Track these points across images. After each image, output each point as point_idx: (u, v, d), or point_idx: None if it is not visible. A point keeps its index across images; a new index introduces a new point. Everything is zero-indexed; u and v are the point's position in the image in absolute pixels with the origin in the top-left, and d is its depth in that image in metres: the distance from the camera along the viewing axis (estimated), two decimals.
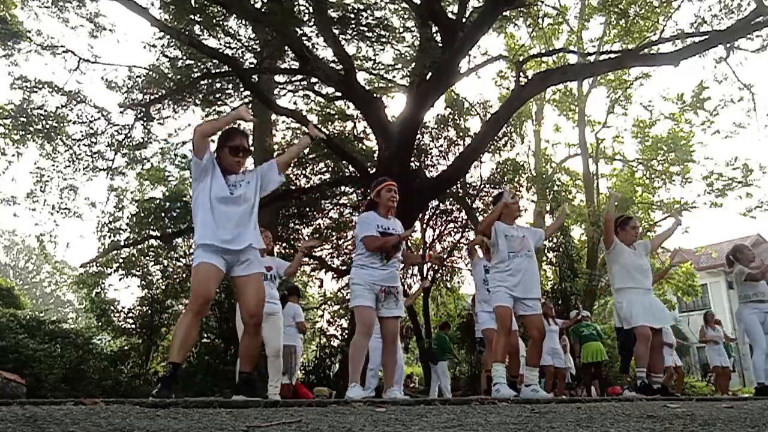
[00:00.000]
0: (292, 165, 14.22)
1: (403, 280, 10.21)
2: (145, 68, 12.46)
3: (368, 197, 4.58)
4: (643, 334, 4.87)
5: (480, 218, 13.71)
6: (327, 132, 13.34)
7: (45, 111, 11.95)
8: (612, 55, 12.67)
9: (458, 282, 16.61)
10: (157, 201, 13.68)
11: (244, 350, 3.58)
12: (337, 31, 10.90)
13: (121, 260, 13.50)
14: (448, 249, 15.81)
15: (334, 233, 14.90)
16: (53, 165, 12.64)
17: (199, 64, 12.07)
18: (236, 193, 3.47)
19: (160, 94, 12.12)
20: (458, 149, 13.89)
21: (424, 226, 15.16)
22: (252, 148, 13.57)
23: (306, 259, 15.18)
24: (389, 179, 4.46)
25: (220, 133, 3.71)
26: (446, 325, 10.90)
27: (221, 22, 11.50)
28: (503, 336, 4.61)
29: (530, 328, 4.69)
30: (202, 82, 12.07)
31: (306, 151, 14.31)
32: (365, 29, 11.52)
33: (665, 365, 8.55)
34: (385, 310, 4.15)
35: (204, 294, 3.29)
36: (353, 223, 13.35)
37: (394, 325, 4.23)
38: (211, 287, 3.33)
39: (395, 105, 48.19)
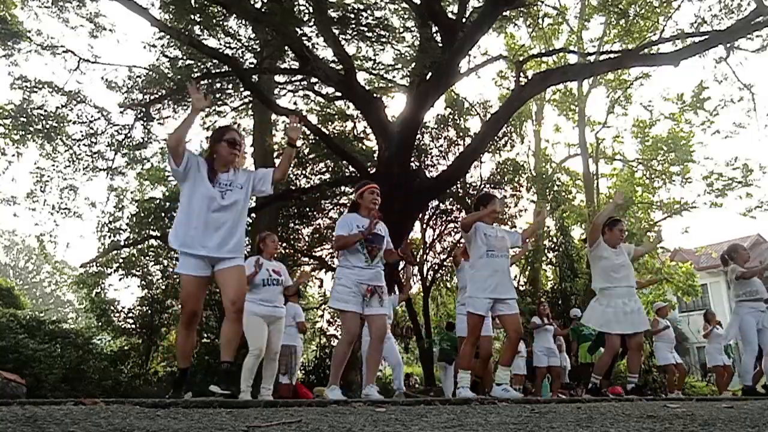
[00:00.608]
0: (292, 165, 14.24)
1: (402, 280, 10.21)
2: (145, 68, 12.45)
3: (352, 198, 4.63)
4: (613, 346, 5.02)
5: None
6: (327, 131, 13.35)
7: (45, 111, 11.94)
8: (612, 55, 12.66)
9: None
10: (157, 201, 13.69)
11: (225, 337, 3.51)
12: (337, 31, 10.89)
13: (121, 260, 13.52)
14: (448, 249, 15.82)
15: (334, 233, 14.91)
16: (53, 165, 12.64)
17: (199, 64, 12.06)
18: (226, 199, 3.43)
19: (160, 94, 12.11)
20: (458, 149, 13.89)
21: (424, 226, 15.19)
22: (252, 148, 13.66)
23: (306, 259, 15.20)
24: (372, 182, 4.47)
25: (213, 133, 3.71)
26: (452, 326, 10.85)
27: (221, 22, 11.49)
28: (470, 344, 4.62)
29: (508, 328, 4.68)
30: (202, 82, 12.06)
31: (306, 150, 14.33)
32: (365, 29, 11.50)
33: (667, 363, 8.61)
34: (370, 309, 4.14)
35: (191, 308, 3.43)
36: None
37: (381, 322, 4.20)
38: (196, 301, 3.46)
39: (395, 105, 48.24)
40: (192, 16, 10.50)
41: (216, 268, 3.43)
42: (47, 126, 11.92)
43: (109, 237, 13.46)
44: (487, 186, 14.47)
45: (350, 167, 12.96)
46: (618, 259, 5.09)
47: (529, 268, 17.33)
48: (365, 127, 13.94)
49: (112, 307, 13.43)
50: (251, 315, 5.09)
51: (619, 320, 4.92)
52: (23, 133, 11.87)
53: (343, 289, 4.10)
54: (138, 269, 13.54)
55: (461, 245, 7.61)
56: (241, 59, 11.94)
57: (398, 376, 7.46)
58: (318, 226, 14.95)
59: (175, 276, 13.24)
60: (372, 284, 4.15)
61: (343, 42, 11.32)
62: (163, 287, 13.29)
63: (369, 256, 4.17)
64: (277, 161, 12.75)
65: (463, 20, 10.88)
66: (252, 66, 11.95)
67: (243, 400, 2.91)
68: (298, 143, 15.71)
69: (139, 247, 13.52)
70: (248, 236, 8.42)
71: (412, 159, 11.99)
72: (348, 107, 14.26)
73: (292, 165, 14.22)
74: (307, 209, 14.46)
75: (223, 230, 3.40)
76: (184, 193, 3.48)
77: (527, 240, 5.25)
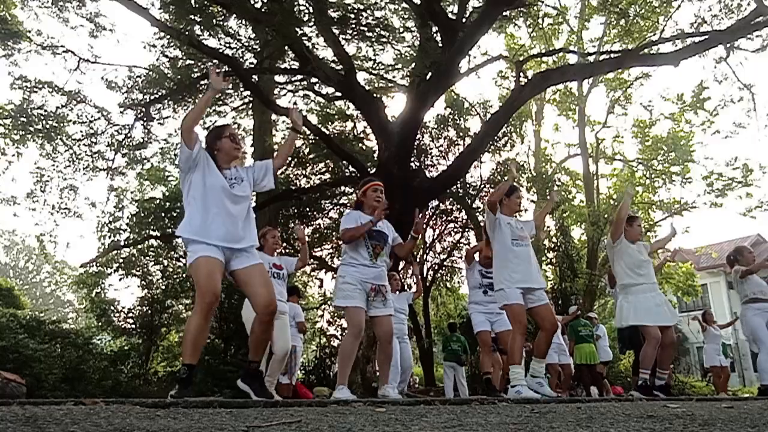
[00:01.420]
0: (292, 165, 14.23)
1: (403, 280, 10.17)
2: (145, 68, 12.46)
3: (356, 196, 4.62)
4: (653, 335, 4.84)
5: (480, 218, 13.70)
6: (327, 131, 13.35)
7: (45, 111, 11.94)
8: (612, 55, 12.65)
9: (458, 282, 16.63)
10: (157, 201, 13.69)
11: (256, 339, 3.44)
12: (337, 31, 10.89)
13: (121, 260, 13.51)
14: (449, 249, 15.83)
15: (334, 233, 14.93)
16: (53, 165, 12.64)
17: (199, 64, 12.06)
18: (236, 191, 3.39)
19: (160, 94, 12.11)
20: (458, 149, 13.90)
21: (424, 226, 15.19)
22: (252, 148, 13.63)
23: None
24: (375, 179, 4.44)
25: (211, 130, 3.67)
26: (454, 326, 10.82)
27: (221, 22, 11.49)
28: (519, 335, 4.46)
29: (542, 320, 4.57)
30: (202, 82, 12.07)
31: (306, 151, 14.33)
32: (365, 29, 11.50)
33: None
34: (375, 309, 4.11)
35: (212, 289, 3.13)
36: None
37: (387, 323, 4.16)
38: (217, 282, 3.17)
39: (395, 105, 48.19)
40: (192, 16, 10.50)
41: (233, 265, 3.30)
42: (47, 126, 11.92)
43: (109, 237, 13.46)
44: (487, 186, 14.49)
45: (350, 167, 12.96)
46: (640, 255, 5.08)
47: None
48: (365, 127, 13.94)
49: (112, 307, 13.42)
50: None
51: (651, 312, 4.87)
52: (23, 133, 11.88)
53: (348, 286, 4.06)
54: (138, 269, 13.53)
55: (478, 245, 7.42)
56: (241, 59, 11.94)
57: (403, 380, 7.42)
58: (318, 226, 14.95)
59: (175, 276, 13.23)
60: (376, 283, 4.13)
61: (343, 42, 11.32)
62: (163, 287, 13.28)
63: (373, 254, 4.15)
64: None
65: (463, 20, 10.88)
66: (252, 66, 11.95)
67: (243, 400, 2.90)
68: (298, 143, 15.69)
69: (139, 247, 13.51)
70: None
71: (412, 159, 11.99)
72: (348, 107, 14.26)
73: (292, 165, 14.27)
74: (307, 209, 14.46)
75: (239, 222, 3.34)
76: (193, 183, 3.33)
77: (541, 226, 5.28)
